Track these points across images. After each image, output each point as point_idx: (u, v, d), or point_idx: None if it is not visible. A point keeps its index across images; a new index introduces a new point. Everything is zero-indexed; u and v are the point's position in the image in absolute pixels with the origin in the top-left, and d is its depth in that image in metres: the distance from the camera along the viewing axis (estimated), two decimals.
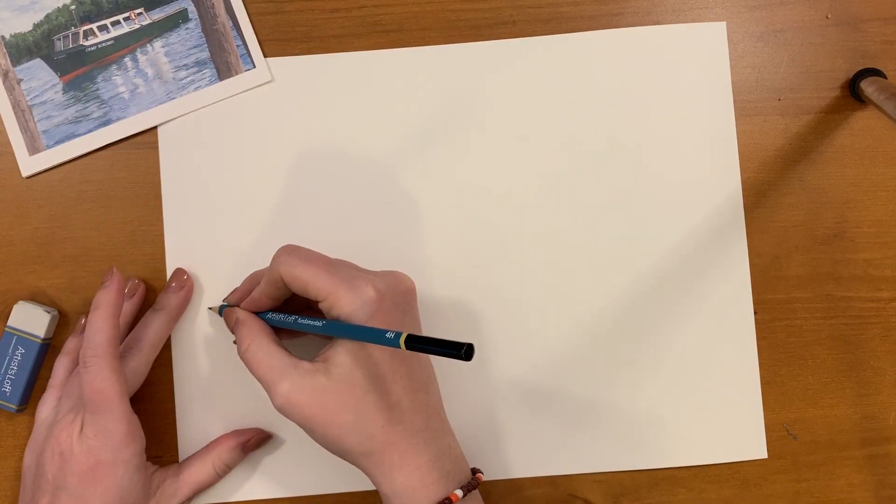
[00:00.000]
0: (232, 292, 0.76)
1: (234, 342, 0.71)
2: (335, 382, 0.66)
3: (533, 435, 0.79)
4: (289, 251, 0.69)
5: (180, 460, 0.78)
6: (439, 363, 0.74)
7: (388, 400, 0.66)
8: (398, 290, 0.69)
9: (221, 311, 0.76)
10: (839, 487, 0.80)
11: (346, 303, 0.66)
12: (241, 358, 0.69)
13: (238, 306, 0.73)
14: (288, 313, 0.71)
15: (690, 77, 0.80)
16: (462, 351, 0.55)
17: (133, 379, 0.73)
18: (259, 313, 0.72)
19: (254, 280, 0.75)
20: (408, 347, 0.58)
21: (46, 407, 0.74)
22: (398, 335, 0.59)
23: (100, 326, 0.69)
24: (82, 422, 0.69)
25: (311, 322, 0.68)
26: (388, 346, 0.61)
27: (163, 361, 0.78)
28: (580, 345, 0.79)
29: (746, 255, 0.79)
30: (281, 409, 0.66)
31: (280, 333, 0.73)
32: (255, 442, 0.77)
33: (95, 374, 0.68)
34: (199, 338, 0.78)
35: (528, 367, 0.79)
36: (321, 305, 0.67)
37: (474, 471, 0.71)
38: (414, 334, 0.59)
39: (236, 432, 0.77)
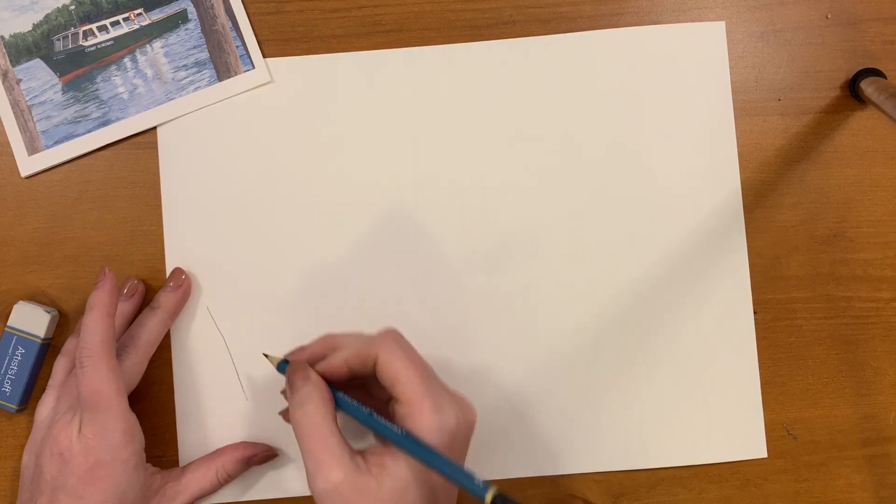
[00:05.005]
0: (299, 349, 0.72)
1: (283, 393, 0.70)
2: (385, 492, 0.62)
3: (533, 435, 0.79)
4: (396, 338, 0.67)
5: (180, 460, 0.78)
6: (435, 352, 0.75)
7: None
8: (468, 422, 0.66)
9: (280, 366, 0.72)
10: (839, 487, 0.80)
11: (427, 421, 0.63)
12: (295, 417, 0.65)
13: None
14: (360, 402, 0.68)
15: (689, 77, 0.80)
16: None
17: (129, 377, 0.73)
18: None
19: (328, 344, 0.72)
20: None
21: (45, 407, 0.74)
22: (486, 487, 0.57)
23: (94, 327, 0.69)
24: (80, 422, 0.69)
25: (389, 426, 0.64)
26: (470, 490, 0.59)
27: (162, 361, 0.78)
28: (581, 345, 0.79)
29: (746, 255, 0.79)
30: (320, 496, 0.63)
31: None
32: (261, 458, 0.77)
33: (92, 374, 0.68)
34: (199, 338, 0.78)
35: (528, 366, 0.79)
36: (397, 408, 0.65)
37: None
38: (502, 493, 0.56)
39: (244, 444, 0.77)
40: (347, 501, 0.62)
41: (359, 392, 0.70)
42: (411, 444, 0.63)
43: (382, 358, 0.65)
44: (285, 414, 0.75)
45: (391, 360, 0.65)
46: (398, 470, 0.63)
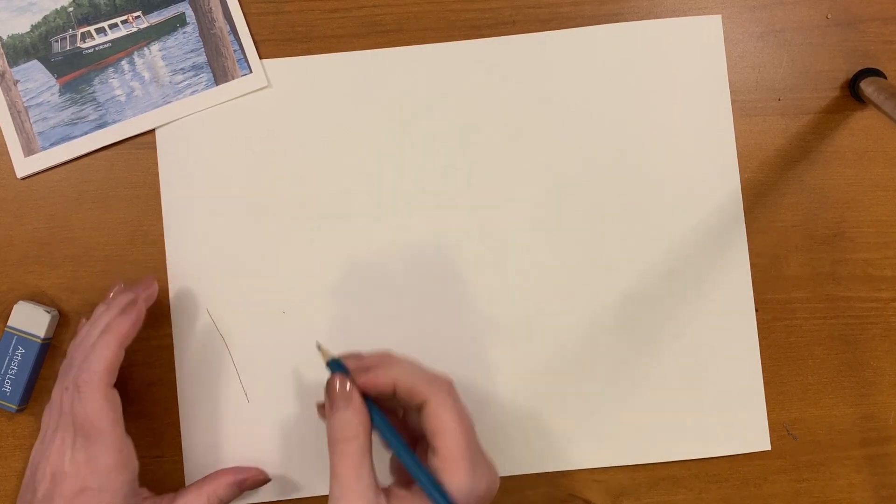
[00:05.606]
0: (354, 355, 0.70)
1: (322, 407, 0.68)
2: None
3: (536, 432, 0.79)
4: (451, 390, 0.66)
5: (184, 461, 0.78)
6: (444, 353, 0.76)
7: None
8: (492, 489, 0.67)
9: (330, 363, 0.69)
10: (839, 487, 0.80)
11: (461, 481, 0.63)
12: (335, 444, 0.65)
13: (349, 374, 0.68)
14: (396, 431, 0.67)
15: (687, 72, 0.80)
16: None
17: None
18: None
19: (384, 360, 0.69)
20: None
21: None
22: None
23: (104, 354, 0.69)
24: (73, 444, 0.68)
25: (424, 471, 0.64)
26: None
27: (162, 362, 0.79)
28: (583, 344, 0.79)
29: (747, 254, 0.79)
30: None
31: None
32: (252, 482, 0.76)
33: (87, 402, 0.68)
34: (200, 339, 0.79)
35: (529, 364, 0.79)
36: (433, 458, 0.64)
37: None
38: None
39: (235, 469, 0.77)
40: None
41: (386, 411, 0.70)
42: (440, 498, 0.63)
43: (434, 405, 0.65)
44: (322, 411, 0.70)
45: (443, 410, 0.65)
46: None
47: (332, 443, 0.64)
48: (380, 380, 0.66)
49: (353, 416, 0.65)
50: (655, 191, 0.79)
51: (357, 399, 0.66)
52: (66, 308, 0.79)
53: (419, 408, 0.66)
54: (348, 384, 0.66)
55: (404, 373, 0.66)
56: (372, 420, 0.66)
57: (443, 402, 0.65)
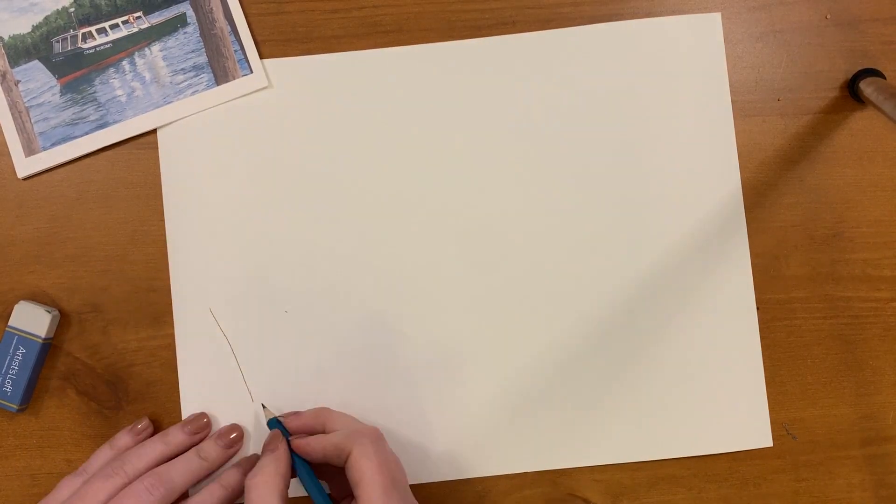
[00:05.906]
0: (294, 414, 0.76)
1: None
2: None
3: (535, 430, 0.79)
4: (374, 440, 0.69)
5: None
6: (444, 351, 0.76)
7: None
8: None
9: (270, 422, 0.75)
10: (838, 487, 0.80)
11: None
12: (247, 482, 0.68)
13: (286, 434, 0.74)
14: (321, 487, 0.72)
15: (687, 70, 0.80)
16: None
17: None
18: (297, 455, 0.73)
19: (320, 419, 0.75)
20: None
21: (66, 488, 0.72)
22: None
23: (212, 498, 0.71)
24: None
25: None
26: None
27: (163, 361, 0.79)
28: (583, 342, 0.79)
29: (748, 254, 0.79)
30: None
31: None
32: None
33: None
34: (202, 339, 0.78)
35: (530, 362, 0.79)
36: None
37: None
38: None
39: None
40: None
41: (334, 469, 0.73)
42: None
43: (354, 456, 0.67)
44: None
45: (361, 461, 0.67)
46: None
47: (248, 479, 0.68)
48: (310, 448, 0.71)
49: (272, 461, 0.70)
50: (656, 190, 0.79)
51: (282, 450, 0.72)
52: (67, 308, 0.79)
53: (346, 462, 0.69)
54: (279, 437, 0.73)
55: (332, 438, 0.70)
56: (298, 474, 0.72)
57: (363, 453, 0.67)
